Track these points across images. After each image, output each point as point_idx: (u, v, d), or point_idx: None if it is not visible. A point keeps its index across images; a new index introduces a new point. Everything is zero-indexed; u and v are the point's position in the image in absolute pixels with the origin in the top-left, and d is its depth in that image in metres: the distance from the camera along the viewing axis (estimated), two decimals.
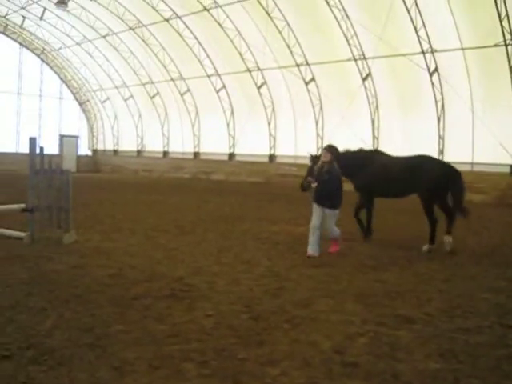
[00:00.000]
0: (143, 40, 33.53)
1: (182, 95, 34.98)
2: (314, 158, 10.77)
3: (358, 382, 4.22)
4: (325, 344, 5.05)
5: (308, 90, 27.60)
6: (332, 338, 5.20)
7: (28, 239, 9.64)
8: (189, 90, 34.57)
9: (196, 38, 30.90)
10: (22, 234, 9.80)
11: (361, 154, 11.36)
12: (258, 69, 29.29)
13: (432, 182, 9.98)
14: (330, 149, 9.66)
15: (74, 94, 43.32)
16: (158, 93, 37.16)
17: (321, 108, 27.65)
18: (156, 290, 6.75)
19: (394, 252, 9.72)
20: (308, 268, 8.24)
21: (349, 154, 11.11)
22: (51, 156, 10.88)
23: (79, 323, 5.44)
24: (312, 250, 9.09)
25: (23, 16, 36.09)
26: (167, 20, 30.76)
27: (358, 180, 10.95)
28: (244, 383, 4.17)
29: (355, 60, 24.87)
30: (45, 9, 34.23)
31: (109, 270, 7.75)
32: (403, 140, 23.34)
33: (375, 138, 25.57)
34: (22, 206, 10.04)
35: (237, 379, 4.23)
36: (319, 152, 11.98)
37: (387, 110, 25.15)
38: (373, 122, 25.55)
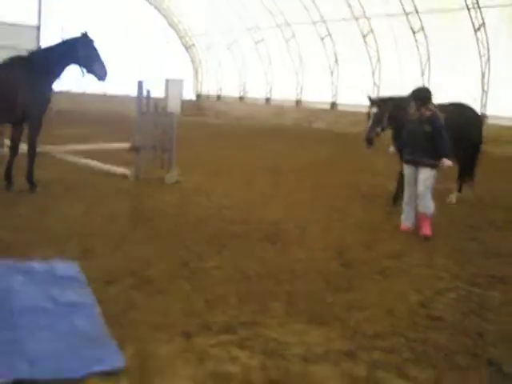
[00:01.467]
0: None
1: (286, 41, 34.71)
2: (380, 103, 9.08)
3: (442, 336, 4.24)
4: (413, 296, 5.08)
5: (416, 40, 26.55)
6: (420, 292, 5.21)
7: (132, 177, 10.15)
8: (294, 37, 34.21)
9: None
10: (127, 172, 10.33)
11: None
12: (365, 17, 28.43)
13: None
14: (419, 96, 7.62)
15: (180, 38, 44.01)
16: (262, 39, 37.05)
17: (428, 59, 26.57)
18: (251, 232, 6.99)
19: (491, 212, 9.38)
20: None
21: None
22: (157, 99, 11.25)
23: (176, 257, 5.76)
24: (409, 220, 7.66)
25: None
26: None
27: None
28: (329, 325, 4.31)
29: (468, 9, 23.55)
30: None
31: (207, 210, 8.07)
32: None
33: (484, 92, 24.34)
34: (129, 145, 10.53)
35: (322, 320, 4.38)
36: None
37: (500, 64, 23.78)
38: (483, 75, 24.30)
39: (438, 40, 25.52)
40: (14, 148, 8.62)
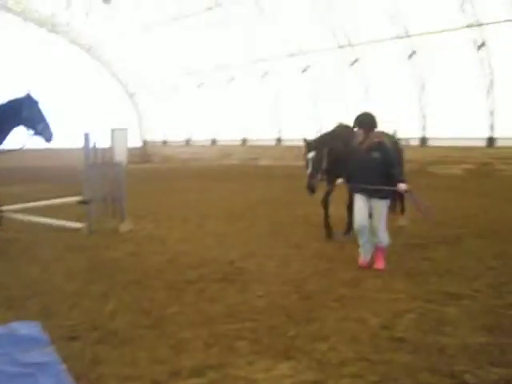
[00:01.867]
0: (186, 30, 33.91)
1: (228, 82, 35.29)
2: (316, 145, 8.65)
3: (405, 356, 4.39)
4: (372, 321, 5.23)
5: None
6: (380, 315, 5.37)
7: (86, 230, 10.10)
8: (233, 79, 34.83)
9: None
10: (79, 225, 10.27)
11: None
12: (302, 53, 29.21)
13: None
14: (366, 123, 7.33)
15: (123, 87, 44.17)
16: (202, 83, 37.54)
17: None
18: (209, 274, 7.05)
19: (440, 230, 9.73)
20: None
21: None
22: (104, 149, 11.29)
23: (138, 307, 5.78)
24: (367, 255, 7.35)
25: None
26: None
27: None
28: (295, 358, 4.40)
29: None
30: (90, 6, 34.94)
31: (163, 257, 8.09)
32: None
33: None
34: (79, 198, 10.49)
35: (288, 355, 4.46)
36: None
37: None
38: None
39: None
40: None
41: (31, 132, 8.69)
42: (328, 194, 9.29)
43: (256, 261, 7.76)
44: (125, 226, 10.18)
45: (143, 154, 43.56)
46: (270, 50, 30.75)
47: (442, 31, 22.80)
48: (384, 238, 7.27)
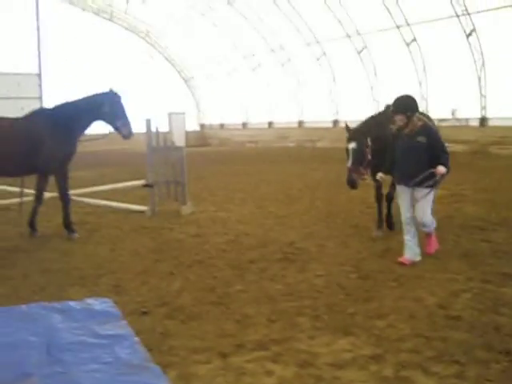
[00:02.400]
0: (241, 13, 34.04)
1: (282, 65, 35.31)
2: (358, 135, 7.51)
3: (461, 334, 4.52)
4: (429, 300, 5.36)
5: (410, 52, 26.91)
6: (436, 295, 5.49)
7: (149, 212, 10.51)
8: (289, 60, 34.83)
9: None
10: (143, 208, 10.70)
11: None
12: (358, 34, 28.93)
13: None
14: (407, 106, 6.65)
15: (179, 72, 44.78)
16: (258, 65, 37.66)
17: (424, 70, 26.84)
18: (270, 254, 7.31)
19: (501, 213, 9.64)
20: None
21: None
22: (165, 134, 11.66)
23: (203, 285, 6.08)
24: (410, 254, 6.72)
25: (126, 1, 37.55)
26: None
27: None
28: (354, 334, 4.60)
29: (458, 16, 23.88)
30: None
31: (225, 237, 8.40)
32: None
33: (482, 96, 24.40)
34: (143, 182, 10.91)
35: (347, 331, 4.67)
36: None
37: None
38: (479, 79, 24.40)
39: (431, 50, 25.75)
40: (38, 197, 8.92)
41: (110, 127, 8.91)
42: (379, 188, 8.26)
43: (315, 242, 7.94)
44: (187, 209, 10.52)
45: (201, 138, 44.10)
46: (325, 31, 30.54)
47: (502, 8, 22.11)
48: (429, 223, 6.83)
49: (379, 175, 7.23)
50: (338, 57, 31.49)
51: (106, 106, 8.69)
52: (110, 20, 40.26)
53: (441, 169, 6.40)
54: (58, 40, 34.44)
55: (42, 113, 8.82)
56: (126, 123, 8.89)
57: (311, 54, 32.61)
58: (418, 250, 6.74)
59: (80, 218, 10.02)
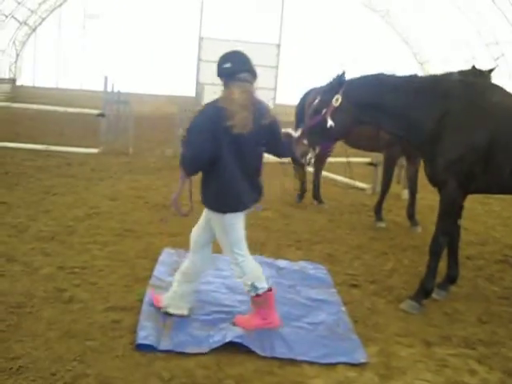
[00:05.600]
0: None
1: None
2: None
3: None
4: None
5: None
6: None
7: (370, 190, 10.59)
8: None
9: None
10: (365, 186, 10.81)
11: None
12: None
13: None
14: None
15: (414, 55, 43.59)
16: (502, 54, 35.14)
17: None
18: (489, 254, 6.99)
19: None
20: None
21: None
22: None
23: (414, 270, 6.03)
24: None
25: None
26: None
27: None
28: None
29: None
30: None
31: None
32: None
33: None
34: (368, 160, 10.98)
35: None
36: None
37: None
38: None
39: None
40: None
41: None
42: None
43: None
44: (406, 193, 10.36)
45: None
46: None
47: None
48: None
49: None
50: None
51: None
52: None
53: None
54: (299, 14, 35.31)
55: None
56: None
57: None
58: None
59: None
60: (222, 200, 4.14)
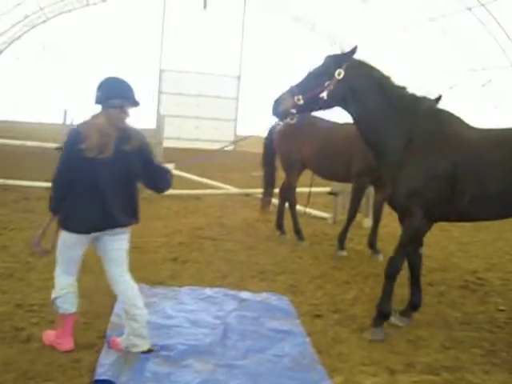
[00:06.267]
0: None
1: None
2: None
3: None
4: None
5: None
6: None
7: (331, 220, 10.65)
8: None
9: None
10: (326, 215, 10.87)
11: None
12: None
13: None
14: None
15: None
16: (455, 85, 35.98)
17: None
18: (450, 280, 7.08)
19: None
20: None
21: None
22: None
23: (377, 298, 6.02)
24: None
25: None
26: None
27: None
28: None
29: None
30: None
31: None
32: None
33: None
34: (328, 189, 11.06)
35: None
36: None
37: None
38: None
39: None
40: None
41: None
42: None
43: (499, 275, 7.52)
44: (369, 221, 10.47)
45: None
46: None
47: None
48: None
49: None
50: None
51: None
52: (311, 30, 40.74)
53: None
54: (259, 45, 35.64)
55: None
56: None
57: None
58: None
59: (265, 217, 10.43)
60: (67, 218, 4.21)
